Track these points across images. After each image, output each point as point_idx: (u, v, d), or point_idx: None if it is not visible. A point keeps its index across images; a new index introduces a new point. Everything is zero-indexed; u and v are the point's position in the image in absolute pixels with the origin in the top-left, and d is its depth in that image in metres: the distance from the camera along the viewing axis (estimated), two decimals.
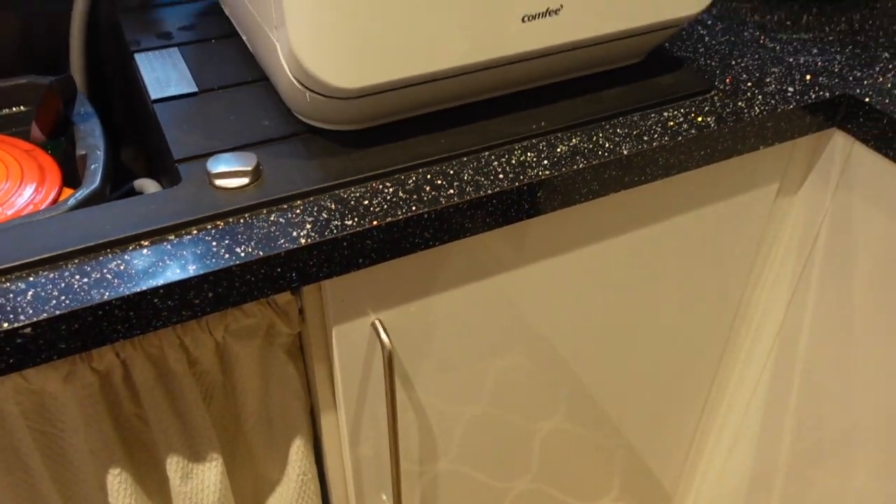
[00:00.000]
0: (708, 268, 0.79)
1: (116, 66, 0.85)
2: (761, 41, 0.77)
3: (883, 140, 0.66)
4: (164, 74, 0.69)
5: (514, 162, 0.59)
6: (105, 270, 0.49)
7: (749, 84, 0.70)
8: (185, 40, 0.74)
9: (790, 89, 0.69)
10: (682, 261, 0.76)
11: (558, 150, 0.61)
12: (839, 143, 0.72)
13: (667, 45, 0.76)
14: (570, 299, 0.72)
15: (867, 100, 0.67)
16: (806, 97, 0.67)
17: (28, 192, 0.66)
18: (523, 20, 0.57)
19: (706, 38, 0.77)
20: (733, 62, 0.73)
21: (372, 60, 0.54)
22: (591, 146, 0.61)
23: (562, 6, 0.58)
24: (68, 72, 0.80)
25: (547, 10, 0.58)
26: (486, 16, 0.56)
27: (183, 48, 0.73)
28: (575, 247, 0.68)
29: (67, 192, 0.68)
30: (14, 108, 0.78)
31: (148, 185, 0.72)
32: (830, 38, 0.77)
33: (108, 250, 0.51)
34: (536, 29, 0.58)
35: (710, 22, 0.80)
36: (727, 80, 0.70)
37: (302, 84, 0.55)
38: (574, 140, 0.62)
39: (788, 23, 0.80)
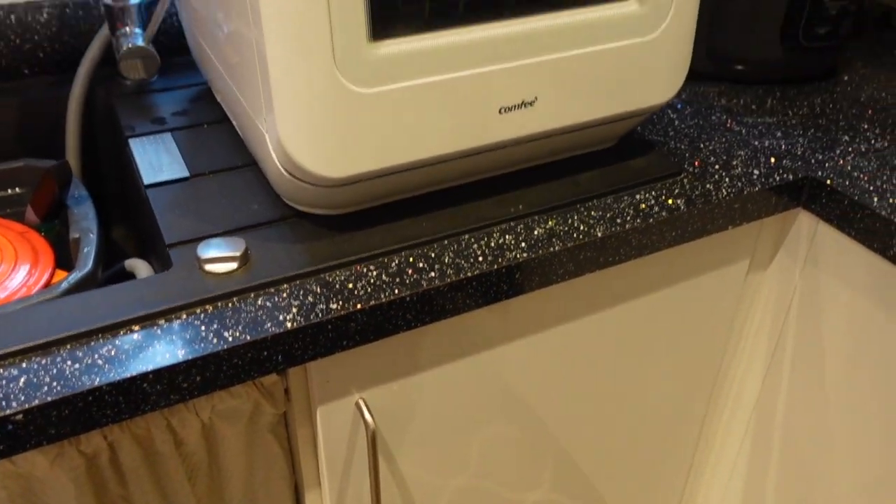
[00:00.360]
0: (685, 342, 0.81)
1: (111, 149, 0.88)
2: (728, 125, 0.81)
3: (845, 220, 0.70)
4: (157, 159, 0.71)
5: (492, 245, 0.62)
6: (96, 356, 0.50)
7: (717, 167, 0.73)
8: (179, 125, 0.77)
9: (756, 172, 0.72)
10: (660, 336, 0.78)
11: (535, 232, 0.63)
12: (805, 222, 0.75)
13: (639, 128, 0.80)
14: (552, 374, 0.74)
15: (829, 182, 0.70)
16: (771, 179, 0.71)
17: (21, 274, 0.67)
18: (500, 111, 0.61)
19: (676, 122, 0.81)
20: (702, 145, 0.77)
21: (357, 151, 0.57)
22: (566, 228, 0.64)
23: (536, 98, 0.62)
24: (64, 157, 0.83)
25: (522, 102, 0.61)
26: (465, 109, 0.59)
27: (176, 133, 0.76)
28: (554, 324, 0.70)
29: (61, 274, 0.69)
30: (10, 191, 0.80)
31: (138, 266, 0.74)
32: (793, 121, 0.81)
33: (100, 335, 0.52)
34: (513, 119, 0.62)
35: (679, 106, 0.85)
36: (696, 163, 0.74)
37: (289, 172, 0.58)
38: (550, 223, 0.65)
39: (754, 106, 0.85)
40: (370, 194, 0.63)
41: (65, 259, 0.72)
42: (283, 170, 0.58)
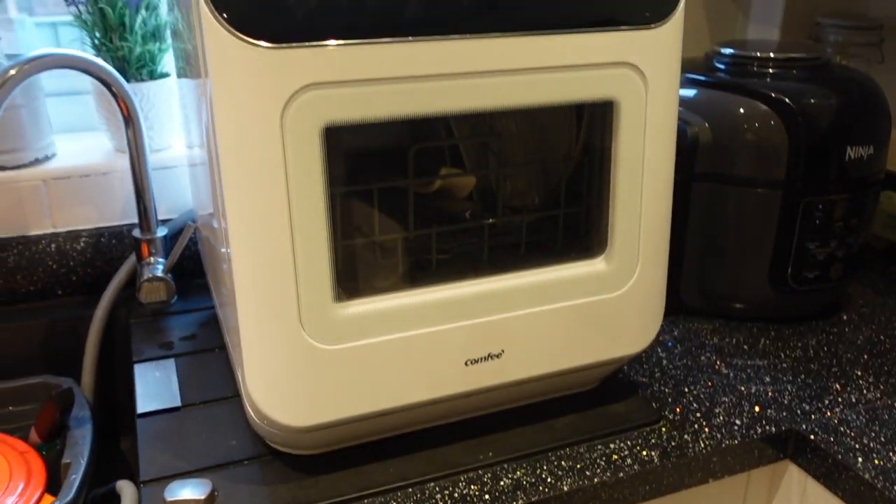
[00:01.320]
0: None
1: (124, 368, 0.94)
2: (717, 366, 0.81)
3: (830, 479, 0.67)
4: (154, 388, 0.75)
5: (456, 495, 0.62)
6: None
7: (698, 414, 0.73)
8: (184, 351, 0.82)
9: (737, 422, 0.71)
10: None
11: (501, 482, 0.63)
12: (794, 476, 0.73)
13: (625, 368, 0.80)
14: None
15: (812, 437, 0.69)
16: (752, 431, 0.70)
17: (11, 498, 0.70)
18: (466, 364, 0.63)
19: (664, 362, 0.82)
20: (686, 389, 0.77)
21: (322, 402, 0.59)
22: (533, 480, 0.64)
23: (503, 351, 0.64)
24: (81, 374, 0.88)
25: (489, 355, 0.64)
26: (430, 362, 0.61)
27: (179, 359, 0.81)
28: None
29: (49, 498, 0.72)
30: (25, 406, 0.85)
31: (126, 490, 0.76)
32: (784, 364, 0.81)
33: None
34: (480, 371, 0.64)
35: (670, 344, 0.86)
36: (677, 410, 0.73)
37: (258, 417, 0.61)
38: (518, 472, 0.65)
39: (746, 346, 0.85)
40: (338, 438, 0.65)
41: (58, 482, 0.74)
42: (252, 414, 0.61)
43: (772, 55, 0.86)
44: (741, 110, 0.83)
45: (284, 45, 0.50)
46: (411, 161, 0.61)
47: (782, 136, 0.81)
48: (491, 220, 0.66)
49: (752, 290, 0.88)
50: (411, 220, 0.63)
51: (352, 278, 0.63)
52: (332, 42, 0.51)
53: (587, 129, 0.66)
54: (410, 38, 0.53)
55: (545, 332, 0.65)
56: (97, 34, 0.89)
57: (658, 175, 0.65)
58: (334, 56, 0.51)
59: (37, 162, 0.91)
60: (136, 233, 0.88)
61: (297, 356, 0.57)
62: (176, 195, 0.96)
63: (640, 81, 0.61)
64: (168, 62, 0.95)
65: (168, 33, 0.93)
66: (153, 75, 0.93)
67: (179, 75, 0.81)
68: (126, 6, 0.87)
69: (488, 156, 0.68)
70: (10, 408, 0.84)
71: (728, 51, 0.88)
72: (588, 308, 0.66)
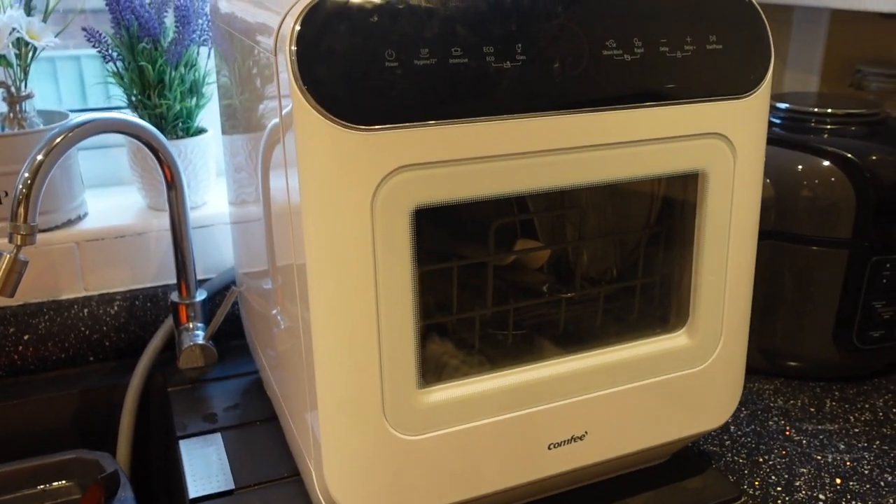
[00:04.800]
0: None
1: (163, 441, 0.89)
2: (787, 432, 0.78)
3: None
4: (204, 467, 0.71)
5: None
6: None
7: (779, 488, 0.70)
8: (229, 424, 0.78)
9: (821, 497, 0.68)
10: None
11: None
12: None
13: None
14: None
15: None
16: None
17: None
18: (549, 447, 0.60)
19: (731, 428, 0.79)
20: (761, 459, 0.74)
21: (402, 494, 0.56)
22: None
23: (586, 433, 0.61)
24: (116, 447, 0.84)
25: (572, 437, 0.60)
26: (513, 448, 0.58)
27: (226, 433, 0.77)
28: None
29: None
30: (57, 483, 0.80)
31: None
32: (856, 429, 0.78)
33: None
34: (563, 454, 0.60)
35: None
36: (756, 484, 0.70)
37: None
38: None
39: (812, 409, 0.82)
40: None
41: None
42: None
43: (830, 110, 0.84)
44: (800, 167, 0.81)
45: (378, 127, 0.47)
46: (492, 237, 0.58)
47: (848, 193, 0.79)
48: (569, 295, 0.63)
49: (815, 349, 0.85)
50: (490, 296, 0.60)
51: (430, 361, 0.60)
52: (426, 123, 0.48)
53: (669, 197, 0.63)
54: (504, 115, 0.50)
55: (628, 411, 0.62)
56: (135, 92, 0.86)
57: (743, 245, 0.62)
58: (427, 137, 0.49)
59: (69, 223, 0.88)
60: (174, 296, 0.85)
61: (380, 448, 0.54)
62: (213, 254, 0.93)
63: (730, 152, 0.59)
64: (204, 117, 0.92)
65: (206, 89, 0.90)
66: (189, 131, 0.90)
67: (225, 131, 0.78)
68: (166, 63, 0.84)
69: (564, 225, 0.65)
70: (43, 486, 0.80)
71: (784, 105, 0.86)
72: (671, 384, 0.63)
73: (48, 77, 0.98)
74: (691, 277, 0.62)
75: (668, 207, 0.64)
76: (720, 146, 0.58)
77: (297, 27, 0.47)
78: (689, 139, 0.57)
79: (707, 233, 0.60)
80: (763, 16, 0.60)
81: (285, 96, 0.48)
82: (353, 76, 0.47)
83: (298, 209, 0.49)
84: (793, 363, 0.87)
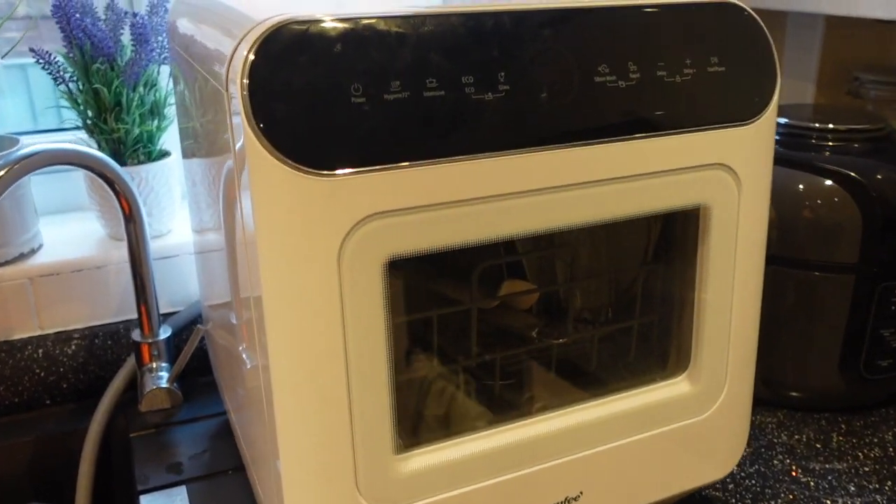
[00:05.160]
0: None
1: (124, 492, 0.83)
2: (793, 472, 0.73)
3: None
4: None
5: None
6: None
7: None
8: (195, 475, 0.72)
9: None
10: None
11: None
12: None
13: None
14: None
15: None
16: None
17: None
18: None
19: (734, 469, 0.74)
20: None
21: None
22: None
23: (581, 493, 0.56)
24: (74, 500, 0.78)
25: (566, 499, 0.55)
26: None
27: (192, 485, 0.71)
28: None
29: None
30: None
31: None
32: (866, 468, 0.74)
33: None
34: None
35: None
36: None
37: None
38: None
39: (818, 445, 0.77)
40: None
41: None
42: None
43: (832, 126, 0.79)
44: (802, 187, 0.76)
45: (344, 172, 0.42)
46: (475, 284, 0.53)
47: (853, 214, 0.74)
48: (561, 340, 0.58)
49: (820, 379, 0.80)
50: (474, 344, 0.55)
51: (407, 421, 0.54)
52: (399, 165, 0.43)
53: (668, 230, 0.58)
54: (487, 153, 0.45)
55: (625, 466, 0.57)
56: (90, 114, 0.80)
57: (749, 282, 0.57)
58: (401, 181, 0.43)
59: (21, 257, 0.81)
60: (136, 335, 0.79)
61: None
62: (179, 285, 0.87)
63: (734, 183, 0.54)
64: (167, 140, 0.86)
65: (169, 110, 0.84)
66: (151, 156, 0.84)
67: (186, 155, 0.72)
68: (122, 85, 0.78)
69: (554, 263, 0.60)
70: None
71: (783, 120, 0.81)
72: (672, 435, 0.58)
73: None
74: (693, 317, 0.57)
75: (667, 240, 0.58)
76: (724, 177, 0.53)
77: (251, 56, 0.41)
78: (689, 171, 0.52)
79: (710, 270, 0.55)
80: (767, 32, 0.55)
81: (238, 137, 0.42)
82: (315, 114, 0.41)
83: (256, 259, 0.43)
84: (796, 393, 0.82)
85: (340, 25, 0.42)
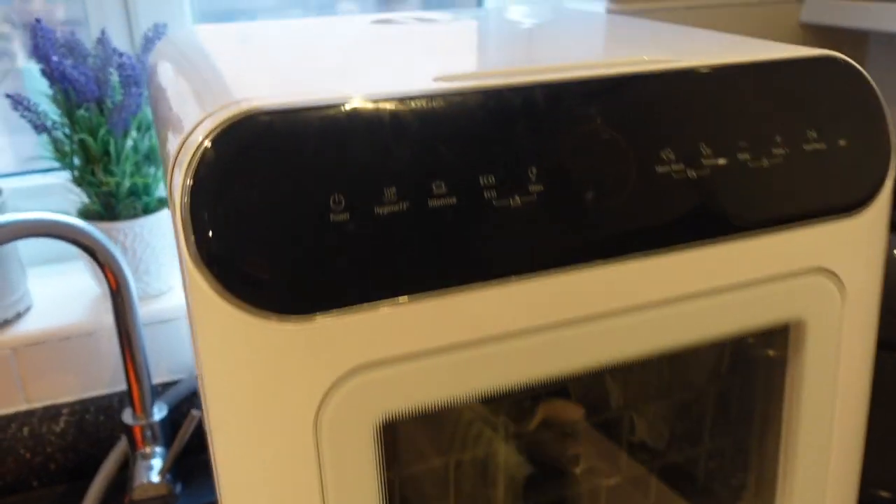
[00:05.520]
0: None
1: None
2: None
3: None
4: None
5: None
6: None
7: None
8: None
9: None
10: None
11: None
12: None
13: None
14: None
15: None
16: None
17: None
18: None
19: None
20: None
21: None
22: None
23: None
24: None
25: None
26: None
27: None
28: None
29: None
30: None
31: None
32: None
33: None
34: None
35: None
36: None
37: None
38: None
39: None
40: None
41: None
42: None
43: None
44: None
45: (322, 315, 0.31)
46: (502, 426, 0.42)
47: None
48: (612, 481, 0.47)
49: None
50: (501, 490, 0.44)
51: None
52: (394, 301, 0.32)
53: (746, 341, 0.46)
54: (512, 277, 0.34)
55: None
56: (77, 167, 0.71)
57: (853, 403, 0.45)
58: (396, 321, 0.33)
59: (6, 324, 0.73)
60: (127, 417, 0.70)
61: None
62: (179, 351, 0.78)
63: (837, 290, 0.42)
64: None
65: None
66: (147, 208, 0.75)
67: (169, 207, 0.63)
68: (109, 133, 0.69)
69: (603, 379, 0.48)
70: None
71: None
72: None
73: None
74: (781, 449, 0.45)
75: (746, 355, 0.47)
76: (824, 284, 0.41)
77: (195, 160, 0.31)
78: (780, 280, 0.40)
79: (804, 393, 0.44)
80: (879, 94, 0.42)
81: (182, 254, 0.32)
82: (281, 238, 0.31)
83: (212, 435, 0.34)
84: (886, 493, 0.70)
85: (317, 114, 0.32)
